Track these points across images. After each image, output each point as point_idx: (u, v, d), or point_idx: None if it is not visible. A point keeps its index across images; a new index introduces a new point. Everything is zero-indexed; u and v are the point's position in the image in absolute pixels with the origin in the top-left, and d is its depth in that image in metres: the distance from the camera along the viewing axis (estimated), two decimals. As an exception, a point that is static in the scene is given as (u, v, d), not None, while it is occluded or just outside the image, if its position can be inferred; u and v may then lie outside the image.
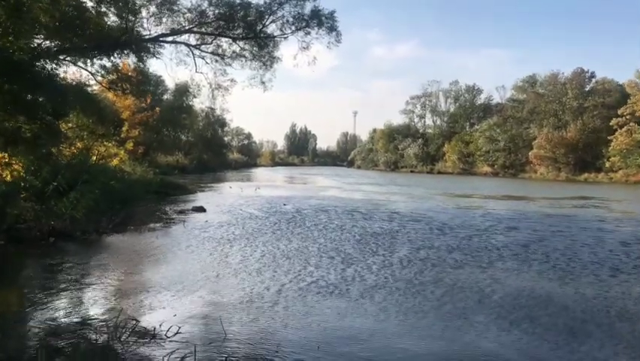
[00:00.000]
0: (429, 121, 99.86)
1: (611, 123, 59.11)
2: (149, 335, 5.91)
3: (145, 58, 21.81)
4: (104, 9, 19.24)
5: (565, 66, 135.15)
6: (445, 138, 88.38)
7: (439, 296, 8.05)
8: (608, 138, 59.19)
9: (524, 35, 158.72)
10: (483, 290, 8.45)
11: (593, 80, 70.89)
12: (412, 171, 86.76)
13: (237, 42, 23.44)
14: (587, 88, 70.36)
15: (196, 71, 24.80)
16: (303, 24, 22.85)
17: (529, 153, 68.66)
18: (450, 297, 8.02)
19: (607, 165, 59.21)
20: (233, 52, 23.65)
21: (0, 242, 10.86)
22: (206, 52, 23.85)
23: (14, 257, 10.52)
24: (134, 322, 6.23)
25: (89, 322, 6.42)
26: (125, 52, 20.68)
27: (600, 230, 16.20)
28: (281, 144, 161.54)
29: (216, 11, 22.16)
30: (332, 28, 22.89)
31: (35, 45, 17.01)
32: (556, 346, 6.09)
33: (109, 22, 19.79)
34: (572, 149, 64.19)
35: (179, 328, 6.11)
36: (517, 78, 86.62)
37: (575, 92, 68.86)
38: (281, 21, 22.88)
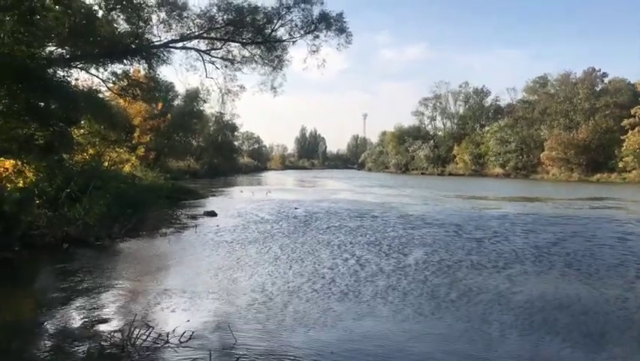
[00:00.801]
0: (439, 123, 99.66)
1: (623, 123, 58.45)
2: (163, 340, 5.88)
3: (155, 64, 21.95)
4: (114, 16, 19.40)
5: (575, 66, 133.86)
6: (455, 140, 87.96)
7: (456, 298, 7.93)
8: (621, 137, 58.53)
9: (534, 35, 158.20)
10: (502, 292, 8.30)
11: (605, 79, 70.32)
12: (422, 173, 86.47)
13: (247, 47, 23.53)
14: (599, 88, 69.73)
15: (206, 77, 24.94)
16: (312, 27, 22.90)
17: (541, 155, 68.09)
18: (467, 299, 7.89)
19: (620, 165, 58.53)
20: (243, 57, 23.77)
21: (14, 248, 10.92)
22: (216, 57, 23.98)
23: (28, 263, 10.56)
24: (148, 327, 6.20)
25: (103, 327, 6.40)
26: (136, 58, 20.83)
27: (619, 232, 15.91)
28: (291, 147, 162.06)
29: (225, 17, 22.25)
30: (341, 30, 22.93)
31: (47, 53, 17.16)
32: (579, 350, 5.96)
33: (119, 29, 19.95)
34: (583, 149, 63.49)
35: (193, 333, 6.07)
36: (527, 78, 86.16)
37: (586, 92, 68.25)
38: (289, 25, 22.96)
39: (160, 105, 43.54)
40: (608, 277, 9.46)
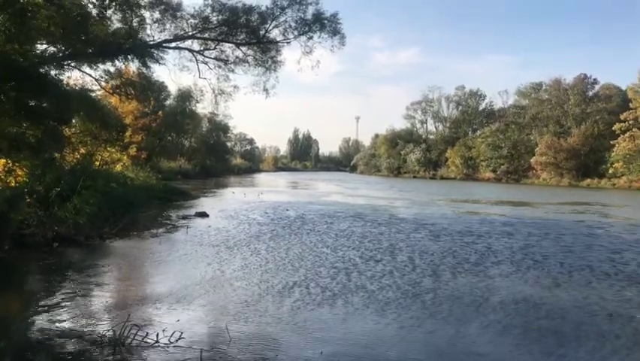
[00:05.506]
0: (431, 127, 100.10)
1: (613, 129, 58.92)
2: (153, 341, 5.90)
3: (148, 63, 21.89)
4: (108, 14, 19.34)
5: (567, 71, 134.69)
6: (447, 144, 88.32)
7: (441, 303, 8.01)
8: (611, 142, 59.00)
9: (527, 41, 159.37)
10: (502, 299, 8.42)
11: (596, 86, 70.99)
12: (414, 177, 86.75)
13: (240, 47, 23.52)
14: (590, 93, 70.38)
15: (200, 77, 24.91)
16: (306, 28, 22.90)
17: (532, 159, 68.54)
18: (454, 303, 7.99)
19: (610, 170, 58.96)
20: (237, 57, 23.75)
21: (4, 247, 10.87)
22: (210, 57, 23.94)
23: (19, 262, 10.52)
24: (138, 327, 6.21)
25: (93, 327, 6.41)
26: (129, 57, 20.76)
27: (614, 237, 16.13)
28: (284, 149, 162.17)
29: (219, 17, 22.23)
30: (335, 32, 22.95)
31: (40, 51, 17.08)
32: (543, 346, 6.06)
33: (113, 28, 19.88)
34: (574, 155, 64.00)
35: (182, 333, 6.09)
36: (520, 84, 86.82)
37: (577, 98, 68.82)
38: (283, 26, 22.97)
39: (152, 104, 43.35)
40: (607, 286, 9.55)
